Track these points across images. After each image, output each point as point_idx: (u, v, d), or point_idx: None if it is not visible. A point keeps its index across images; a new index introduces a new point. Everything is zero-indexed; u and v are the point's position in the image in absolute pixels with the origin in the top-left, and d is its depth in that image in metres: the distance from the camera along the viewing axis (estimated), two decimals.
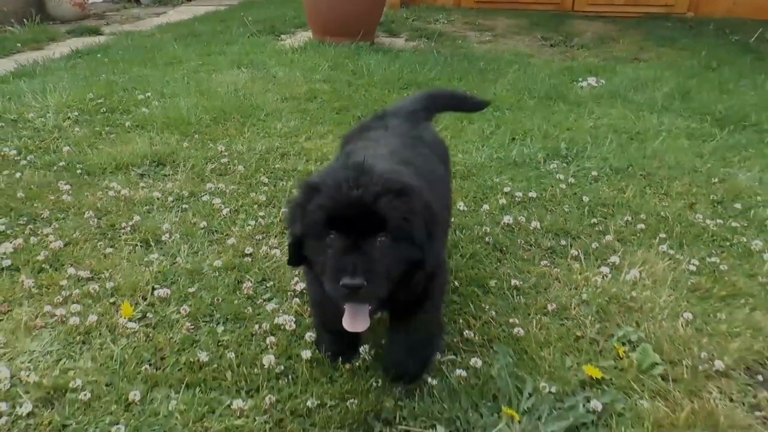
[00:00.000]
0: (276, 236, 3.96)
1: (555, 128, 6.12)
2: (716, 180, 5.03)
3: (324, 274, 2.20)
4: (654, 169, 5.22)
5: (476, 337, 3.06)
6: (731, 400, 2.78)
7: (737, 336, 3.15)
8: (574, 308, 3.34)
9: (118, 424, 2.49)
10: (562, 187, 4.75)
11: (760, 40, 10.65)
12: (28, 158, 4.94)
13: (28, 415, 2.54)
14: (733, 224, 4.30)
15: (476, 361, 2.86)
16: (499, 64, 8.62)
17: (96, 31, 10.97)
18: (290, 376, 2.78)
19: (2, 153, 4.98)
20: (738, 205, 4.58)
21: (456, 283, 3.50)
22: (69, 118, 5.91)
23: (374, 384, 2.74)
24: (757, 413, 2.71)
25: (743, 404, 2.76)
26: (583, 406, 2.66)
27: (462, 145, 5.62)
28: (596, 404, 2.65)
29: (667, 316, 3.28)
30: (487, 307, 3.29)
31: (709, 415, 2.65)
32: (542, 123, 6.25)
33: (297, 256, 2.38)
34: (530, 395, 2.68)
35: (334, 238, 2.17)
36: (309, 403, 2.61)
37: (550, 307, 3.32)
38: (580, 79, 7.98)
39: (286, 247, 2.78)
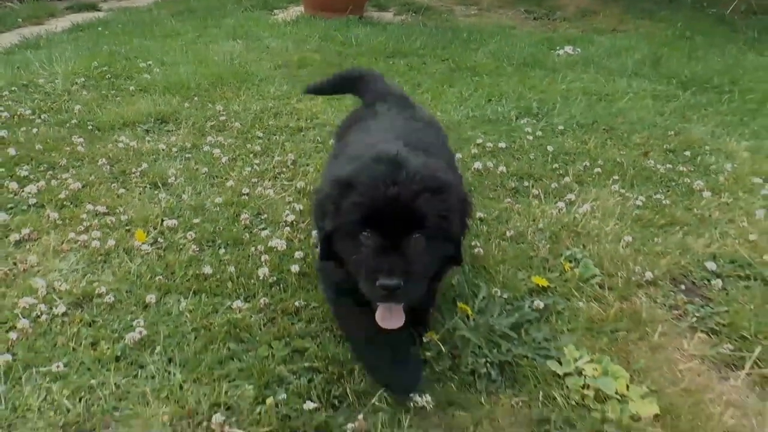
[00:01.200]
0: (269, 180, 4.45)
1: (529, 91, 6.60)
2: (672, 133, 5.52)
3: (359, 273, 2.15)
4: (617, 124, 5.71)
5: None
6: (655, 302, 3.28)
7: (668, 254, 3.65)
8: (530, 235, 3.84)
9: (137, 320, 2.97)
10: (530, 138, 5.23)
11: (735, 12, 11.08)
12: (42, 117, 5.39)
13: (63, 314, 3.02)
14: (681, 168, 4.80)
15: None
16: (482, 35, 9.06)
17: (94, 7, 11.37)
18: (281, 285, 3.28)
19: (18, 113, 5.42)
20: (687, 153, 5.08)
21: None
22: (76, 83, 6.35)
23: None
24: (675, 312, 3.22)
25: (665, 305, 3.27)
26: (529, 306, 3.17)
27: (441, 106, 6.09)
28: (539, 304, 3.15)
29: (611, 240, 3.78)
30: None
31: (634, 312, 3.17)
32: (518, 86, 6.72)
33: (329, 251, 2.33)
34: (484, 298, 3.17)
35: (369, 236, 2.11)
36: (297, 304, 3.11)
37: (508, 234, 3.82)
38: (558, 48, 8.44)
39: (314, 237, 2.88)
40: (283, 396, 2.56)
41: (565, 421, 2.53)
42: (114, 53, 7.38)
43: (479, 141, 5.12)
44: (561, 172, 4.66)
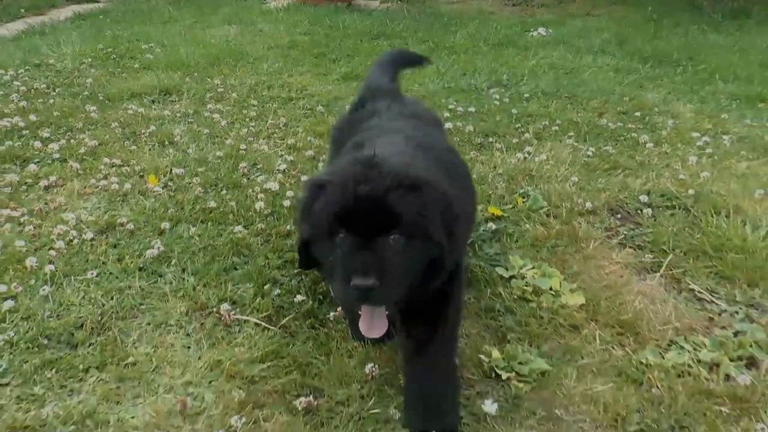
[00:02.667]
0: (264, 138, 5.04)
1: (502, 66, 7.21)
2: (627, 99, 6.14)
3: (333, 277, 2.07)
4: (578, 92, 6.32)
5: None
6: (592, 226, 3.89)
7: (608, 191, 4.26)
8: (491, 178, 4.44)
9: (155, 241, 3.56)
10: (497, 104, 5.85)
11: None
12: (56, 90, 5.97)
13: (91, 239, 3.60)
14: (630, 126, 5.42)
15: None
16: (462, 20, 9.67)
17: None
18: (275, 215, 3.87)
19: (34, 87, 6.00)
20: (638, 114, 5.70)
21: None
22: (84, 63, 6.93)
23: None
24: (608, 232, 3.84)
25: (600, 228, 3.88)
26: (483, 229, 3.78)
27: (420, 80, 6.69)
28: (492, 226, 3.77)
29: (560, 181, 4.39)
30: None
31: (573, 232, 3.78)
32: (491, 63, 7.33)
33: (306, 258, 2.26)
34: None
35: (344, 237, 2.01)
36: (288, 228, 3.70)
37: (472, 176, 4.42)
38: (532, 30, 9.05)
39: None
40: (277, 292, 3.16)
41: (507, 309, 3.13)
42: (117, 37, 7.95)
43: (451, 107, 5.72)
44: (522, 130, 5.26)
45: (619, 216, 4.03)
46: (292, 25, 9.01)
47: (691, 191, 4.20)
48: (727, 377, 2.69)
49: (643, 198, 4.14)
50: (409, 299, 2.16)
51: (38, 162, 4.48)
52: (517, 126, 5.33)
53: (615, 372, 2.71)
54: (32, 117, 5.16)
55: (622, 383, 2.66)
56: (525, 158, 4.70)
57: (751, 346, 2.88)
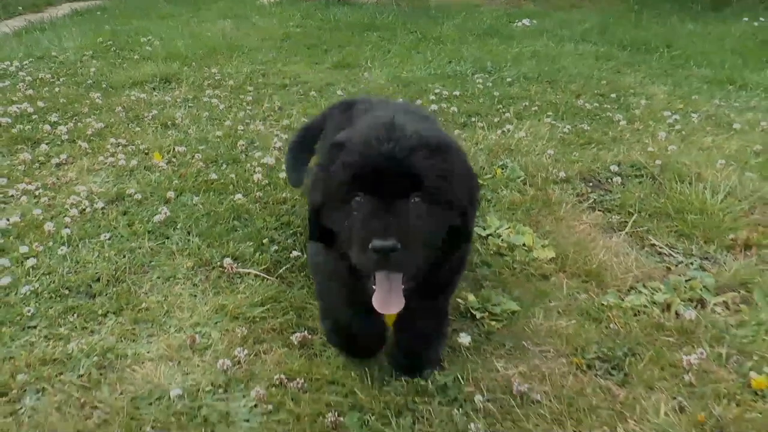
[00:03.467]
0: (260, 120, 5.36)
1: (486, 55, 7.54)
2: (605, 82, 6.48)
3: (349, 244, 1.93)
4: (559, 77, 6.66)
5: None
6: (565, 192, 4.22)
7: (581, 162, 4.59)
8: (473, 153, 4.77)
9: (161, 208, 3.87)
10: (480, 88, 6.18)
11: None
12: (60, 80, 6.27)
13: (102, 208, 3.91)
14: (606, 106, 5.76)
15: None
16: (449, 12, 10.01)
17: None
18: (272, 185, 4.19)
19: (39, 77, 6.30)
20: (614, 95, 6.04)
21: None
22: (86, 55, 7.23)
23: None
24: (579, 198, 4.17)
25: (572, 194, 4.21)
26: None
27: (408, 67, 7.02)
28: None
29: (537, 154, 4.71)
30: None
31: (546, 197, 4.11)
32: (477, 51, 7.66)
33: (317, 227, 2.12)
34: None
35: (362, 200, 1.91)
36: (284, 195, 4.02)
37: None
38: (517, 21, 9.38)
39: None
40: (275, 248, 3.48)
41: (484, 262, 3.46)
42: (116, 31, 8.26)
43: (437, 91, 6.05)
44: (504, 110, 5.59)
45: (590, 184, 4.36)
46: (285, 18, 9.32)
47: (658, 162, 4.53)
48: (677, 315, 3.01)
49: (614, 168, 4.47)
50: (426, 272, 2.04)
51: (49, 143, 4.78)
52: (498, 107, 5.65)
53: (578, 312, 3.04)
54: (40, 103, 5.46)
55: (584, 321, 2.98)
56: (505, 135, 5.02)
57: (700, 289, 3.20)
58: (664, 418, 2.41)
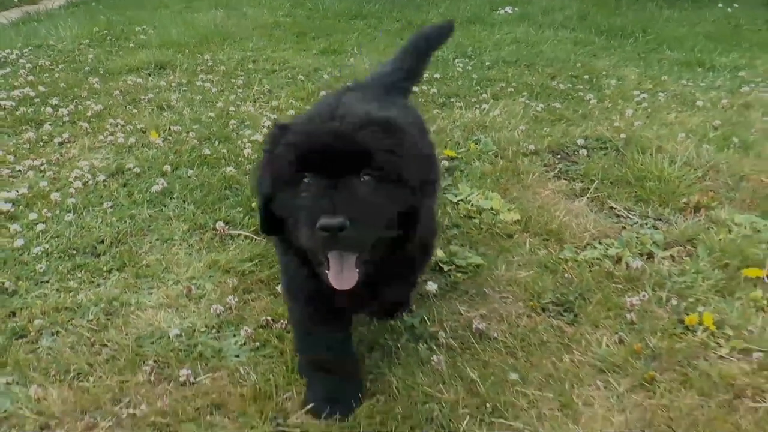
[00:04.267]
0: (251, 102, 5.67)
1: (468, 41, 7.85)
2: (579, 65, 6.80)
3: (298, 227, 1.85)
4: (536, 61, 6.98)
5: None
6: (533, 163, 4.55)
7: (551, 136, 4.93)
8: (449, 129, 5.10)
9: (159, 180, 4.19)
10: (460, 71, 6.50)
11: None
12: (59, 66, 6.57)
13: (103, 181, 4.22)
14: (578, 87, 6.09)
15: None
16: (435, 1, 10.30)
17: None
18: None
19: (39, 64, 6.60)
20: (587, 77, 6.36)
21: None
22: (83, 43, 7.52)
23: None
24: (546, 168, 4.50)
25: (540, 165, 4.54)
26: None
27: (392, 53, 7.29)
28: (446, 164, 4.42)
29: (509, 130, 5.04)
30: None
31: (515, 167, 4.43)
32: (459, 38, 7.96)
33: (269, 219, 2.04)
34: None
35: (309, 182, 1.85)
36: None
37: (432, 128, 5.07)
38: (499, 8, 9.69)
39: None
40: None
41: (454, 224, 3.78)
42: (111, 21, 8.54)
43: None
44: (481, 92, 5.92)
45: (558, 156, 4.69)
46: (274, 8, 9.61)
47: (623, 136, 4.87)
48: (627, 265, 3.35)
49: (581, 142, 4.81)
50: (380, 260, 2.00)
51: (51, 123, 5.09)
52: (476, 89, 5.98)
53: (537, 264, 3.37)
54: (41, 88, 5.76)
55: (542, 272, 3.31)
56: (481, 113, 5.35)
57: (650, 244, 3.54)
58: (606, 349, 2.75)
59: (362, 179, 1.86)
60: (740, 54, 7.29)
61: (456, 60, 6.93)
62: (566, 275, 3.27)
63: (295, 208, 1.87)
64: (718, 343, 2.80)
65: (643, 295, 3.06)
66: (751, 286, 3.15)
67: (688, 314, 2.93)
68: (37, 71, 6.34)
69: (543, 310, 3.04)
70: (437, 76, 6.24)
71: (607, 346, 2.77)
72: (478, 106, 5.53)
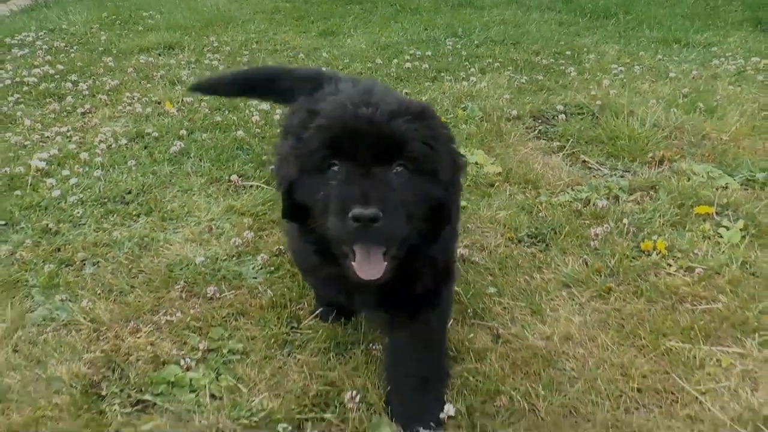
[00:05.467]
0: None
1: (458, 22, 8.30)
2: (563, 43, 7.26)
3: (325, 216, 1.76)
4: (522, 40, 7.43)
5: None
6: (515, 126, 5.01)
7: (532, 103, 5.39)
8: (439, 99, 5.55)
9: (176, 142, 4.63)
10: (450, 49, 6.95)
11: None
12: (74, 47, 7.01)
13: (125, 144, 4.64)
14: (561, 62, 6.54)
15: None
16: None
17: None
18: (268, 125, 4.95)
19: (55, 46, 7.03)
20: (569, 53, 6.82)
21: None
22: (93, 27, 7.95)
23: None
24: (527, 129, 4.96)
25: (522, 127, 5.00)
26: None
27: (386, 34, 7.77)
28: None
29: (495, 98, 5.50)
30: None
31: (499, 129, 4.90)
32: (450, 20, 8.43)
33: (291, 204, 1.94)
34: None
35: (339, 169, 1.77)
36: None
37: (423, 98, 5.54)
38: None
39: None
40: (272, 168, 4.25)
41: None
42: (119, 7, 8.97)
43: (411, 52, 6.82)
44: (469, 67, 6.37)
45: (539, 120, 5.15)
46: None
47: (598, 102, 5.32)
48: (594, 206, 3.81)
49: (560, 107, 5.26)
50: (405, 258, 1.92)
51: (72, 96, 5.53)
52: (465, 64, 6.43)
53: (515, 206, 3.83)
54: (59, 66, 6.20)
55: (519, 212, 3.77)
56: (468, 85, 5.80)
57: (617, 189, 4.01)
58: (572, 268, 3.22)
59: (395, 170, 1.77)
60: (715, 32, 7.74)
61: (446, 39, 7.38)
62: (540, 214, 3.73)
63: (323, 196, 1.78)
64: (668, 264, 3.26)
65: (606, 227, 3.52)
66: (701, 221, 3.61)
67: (644, 241, 3.37)
68: (54, 52, 6.77)
69: (519, 241, 3.50)
70: (429, 53, 6.69)
71: (573, 266, 3.23)
72: (466, 79, 5.96)
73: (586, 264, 3.27)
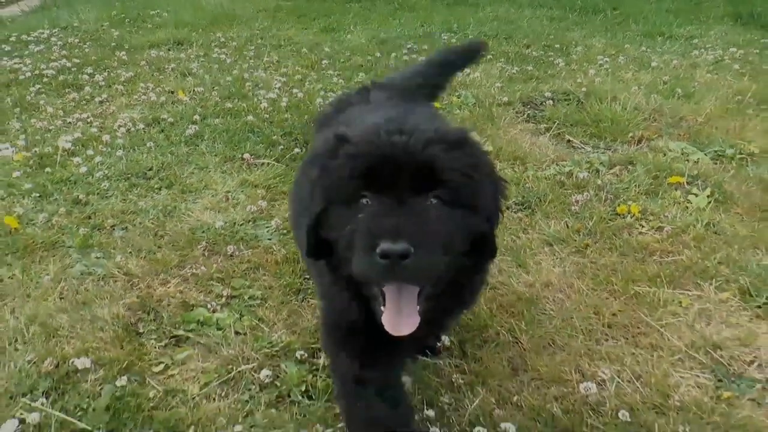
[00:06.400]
0: (262, 70, 6.48)
1: (454, 18, 8.68)
2: (552, 36, 7.64)
3: (350, 251, 1.61)
4: (514, 34, 7.80)
5: None
6: (506, 111, 5.39)
7: (522, 91, 5.77)
8: None
9: (191, 126, 5.01)
10: (445, 42, 7.33)
11: None
12: (88, 43, 7.37)
13: (143, 128, 5.01)
14: (550, 54, 6.92)
15: None
16: None
17: None
18: (276, 110, 5.32)
19: (69, 41, 7.40)
20: (558, 46, 7.20)
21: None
22: (104, 25, 8.32)
23: None
24: (517, 113, 5.34)
25: (512, 112, 5.37)
26: None
27: (385, 30, 8.15)
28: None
29: (487, 87, 5.88)
30: None
31: (490, 114, 5.27)
32: (446, 17, 8.80)
33: (317, 242, 1.78)
34: None
35: (369, 201, 1.62)
36: (286, 116, 5.16)
37: None
38: None
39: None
40: (281, 147, 4.63)
41: None
42: (127, 6, 9.34)
43: (408, 46, 7.20)
44: None
45: (528, 106, 5.52)
46: None
47: (584, 89, 5.70)
48: (576, 177, 4.19)
49: (548, 94, 5.63)
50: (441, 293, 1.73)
51: (90, 87, 5.90)
52: None
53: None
54: (75, 60, 6.57)
55: (508, 185, 4.14)
56: (462, 75, 6.17)
57: (598, 164, 4.38)
58: (554, 229, 3.59)
59: (430, 201, 1.62)
60: (697, 26, 8.13)
61: (442, 34, 7.76)
62: (527, 185, 4.10)
63: (350, 231, 1.61)
64: (640, 224, 3.63)
65: (586, 195, 3.89)
66: (672, 190, 3.99)
67: (619, 206, 3.75)
68: (69, 47, 7.14)
69: (507, 208, 3.84)
70: (425, 47, 7.06)
71: (555, 228, 3.60)
72: None
73: (567, 226, 3.63)
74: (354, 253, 1.59)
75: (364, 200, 1.63)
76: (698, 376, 2.55)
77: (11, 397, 2.42)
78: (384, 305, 1.69)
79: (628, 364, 2.60)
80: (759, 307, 2.91)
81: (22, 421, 2.30)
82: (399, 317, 1.67)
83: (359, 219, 1.60)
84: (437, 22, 8.41)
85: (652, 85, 5.84)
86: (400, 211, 1.55)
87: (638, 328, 2.83)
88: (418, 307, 1.67)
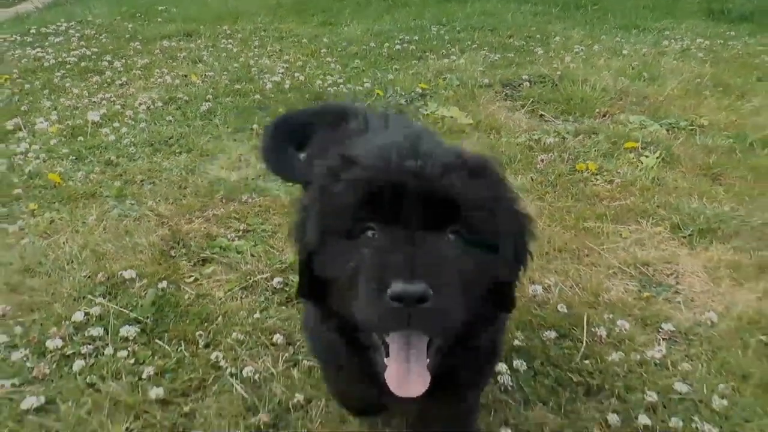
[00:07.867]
0: (266, 58, 7.10)
1: (444, 13, 9.31)
2: (534, 28, 8.27)
3: (352, 294, 1.36)
4: (499, 26, 8.43)
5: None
6: (486, 91, 6.01)
7: (502, 74, 6.39)
8: (423, 72, 6.55)
9: (204, 104, 5.62)
10: (435, 34, 7.96)
11: None
12: (103, 35, 7.98)
13: (161, 106, 5.62)
14: (531, 43, 7.55)
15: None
16: None
17: None
18: (280, 92, 5.94)
19: (85, 33, 8.02)
20: (538, 36, 7.84)
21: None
22: (116, 20, 8.94)
23: None
24: (496, 93, 5.95)
25: (491, 92, 6.00)
26: (413, 94, 5.88)
27: (378, 24, 8.78)
28: (419, 91, 5.87)
29: (471, 71, 6.50)
30: (367, 79, 6.49)
31: (472, 93, 5.90)
32: (436, 12, 9.42)
33: (310, 280, 1.53)
34: (391, 94, 5.89)
35: (376, 234, 1.39)
36: (290, 96, 5.79)
37: (410, 72, 6.54)
38: None
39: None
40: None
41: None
42: (135, 3, 9.96)
43: (401, 37, 7.81)
44: (451, 47, 7.37)
45: (506, 87, 6.14)
46: None
47: (559, 73, 6.32)
48: (543, 143, 4.80)
49: (525, 77, 6.25)
50: (451, 349, 1.51)
51: (110, 72, 6.51)
52: (447, 46, 7.43)
53: (480, 146, 4.81)
54: (94, 49, 7.18)
55: (484, 149, 4.75)
56: (449, 62, 6.81)
57: (564, 133, 5.00)
58: (521, 182, 4.19)
59: (448, 237, 1.41)
60: (672, 20, 8.77)
61: (432, 27, 8.38)
62: (501, 149, 4.71)
63: (352, 268, 1.39)
64: (595, 178, 4.24)
65: (551, 155, 4.51)
66: (627, 153, 4.60)
67: (579, 164, 4.37)
68: (86, 38, 7.75)
69: None
70: (416, 38, 7.69)
71: (522, 181, 4.22)
72: (447, 57, 6.96)
73: (532, 179, 4.24)
74: (356, 295, 1.34)
75: (369, 233, 1.40)
76: (627, 284, 3.16)
77: (75, 300, 3.02)
78: (387, 357, 1.45)
79: (571, 275, 3.20)
80: (685, 237, 3.53)
81: (86, 314, 2.89)
82: (407, 375, 1.42)
83: (364, 254, 1.37)
84: (427, 16, 9.04)
85: (621, 69, 6.45)
86: (415, 247, 1.32)
87: (584, 252, 3.43)
88: (428, 360, 1.43)
